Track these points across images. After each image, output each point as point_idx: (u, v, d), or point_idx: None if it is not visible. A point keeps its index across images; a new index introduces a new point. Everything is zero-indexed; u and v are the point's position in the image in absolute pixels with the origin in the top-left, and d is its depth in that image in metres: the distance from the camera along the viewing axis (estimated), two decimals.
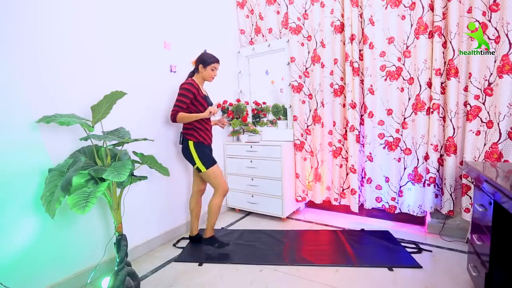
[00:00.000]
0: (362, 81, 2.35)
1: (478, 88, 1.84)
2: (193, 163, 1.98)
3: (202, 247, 2.13)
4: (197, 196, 2.20)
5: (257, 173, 2.64)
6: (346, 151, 2.46)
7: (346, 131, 2.43)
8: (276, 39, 2.85)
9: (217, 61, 2.03)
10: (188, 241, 2.24)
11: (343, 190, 2.53)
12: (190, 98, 1.92)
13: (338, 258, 1.88)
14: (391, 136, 2.27)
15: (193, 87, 1.93)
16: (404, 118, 2.19)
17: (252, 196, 2.70)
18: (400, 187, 2.27)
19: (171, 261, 1.95)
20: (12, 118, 1.39)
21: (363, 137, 2.42)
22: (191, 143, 1.97)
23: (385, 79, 2.23)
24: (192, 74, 2.08)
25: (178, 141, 2.07)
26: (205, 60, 1.99)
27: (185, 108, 1.93)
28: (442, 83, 2.01)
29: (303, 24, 2.58)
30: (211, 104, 2.08)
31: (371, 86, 2.28)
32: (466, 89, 1.93)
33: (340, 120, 2.47)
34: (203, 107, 1.99)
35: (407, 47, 2.12)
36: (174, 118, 1.91)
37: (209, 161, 1.99)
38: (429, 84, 2.06)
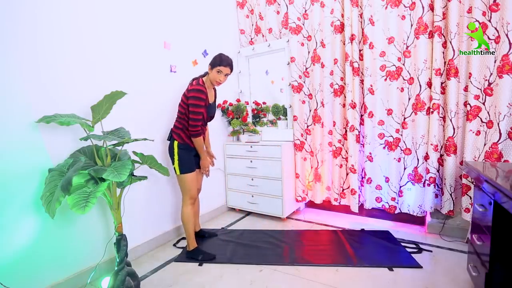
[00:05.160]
0: (362, 81, 2.35)
1: (478, 88, 1.84)
2: (173, 162, 1.93)
3: (202, 247, 2.12)
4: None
5: (257, 173, 2.64)
6: (346, 151, 2.46)
7: (346, 131, 2.43)
8: (276, 39, 2.85)
9: (226, 65, 1.87)
10: None
11: (343, 190, 2.53)
12: (203, 107, 1.83)
13: (338, 258, 1.88)
14: (391, 136, 2.27)
15: (203, 94, 1.81)
16: (404, 118, 2.19)
17: (252, 196, 2.70)
18: (400, 187, 2.27)
19: (171, 261, 1.95)
20: (12, 118, 1.39)
21: (363, 137, 2.42)
22: (175, 143, 1.90)
23: (385, 79, 2.23)
24: (206, 73, 1.98)
25: (168, 136, 1.97)
26: (213, 61, 1.88)
27: (201, 118, 1.85)
28: (442, 83, 2.01)
29: (303, 24, 2.58)
30: (211, 114, 2.02)
31: (371, 86, 2.28)
32: (466, 89, 1.93)
33: (340, 120, 2.47)
34: (202, 117, 1.88)
35: (407, 47, 2.12)
36: (194, 136, 1.85)
37: (186, 168, 1.90)
38: (429, 84, 2.06)
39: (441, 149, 2.08)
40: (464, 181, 1.94)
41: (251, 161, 2.67)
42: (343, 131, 2.49)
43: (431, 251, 1.94)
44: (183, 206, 1.97)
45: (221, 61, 1.87)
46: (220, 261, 1.91)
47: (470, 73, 1.85)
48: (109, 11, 1.82)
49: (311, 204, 2.92)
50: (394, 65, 2.19)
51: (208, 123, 2.16)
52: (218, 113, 2.81)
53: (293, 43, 2.58)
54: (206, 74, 1.98)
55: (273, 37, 2.88)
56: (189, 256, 1.97)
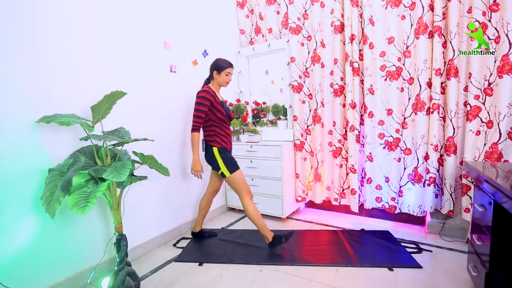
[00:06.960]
0: (362, 81, 2.35)
1: (478, 88, 1.84)
2: (218, 168, 1.99)
3: (202, 246, 2.13)
4: (211, 196, 2.25)
5: (257, 173, 2.64)
6: (346, 151, 2.46)
7: (346, 131, 2.43)
8: (276, 39, 2.85)
9: (230, 65, 2.05)
10: (188, 241, 2.24)
11: (343, 190, 2.53)
12: (207, 106, 1.94)
13: (338, 258, 1.88)
14: (391, 136, 2.27)
15: (209, 94, 1.94)
16: (404, 118, 2.19)
17: (252, 196, 2.70)
18: (400, 187, 2.27)
19: (171, 261, 1.95)
20: (12, 118, 1.39)
21: (363, 137, 2.42)
22: (215, 149, 1.98)
23: (385, 79, 2.23)
24: (208, 81, 2.09)
25: (202, 147, 2.05)
26: (219, 66, 2.01)
27: (205, 116, 1.95)
28: (442, 83, 2.01)
29: (303, 24, 2.58)
30: (228, 110, 2.09)
31: (371, 86, 2.28)
32: (466, 89, 1.93)
33: (340, 120, 2.47)
34: (221, 113, 2.00)
35: (407, 47, 2.12)
36: (192, 130, 1.95)
37: (233, 167, 1.99)
38: (429, 84, 2.06)
39: (441, 149, 2.08)
40: (464, 181, 1.94)
41: (251, 161, 2.67)
42: (343, 131, 2.49)
43: (431, 251, 1.94)
44: (246, 204, 1.99)
45: (227, 64, 2.03)
46: (220, 261, 1.91)
47: (470, 73, 1.85)
48: (109, 11, 1.82)
49: (311, 204, 2.92)
50: (394, 65, 2.19)
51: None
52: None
53: (293, 43, 2.58)
54: (207, 82, 2.09)
55: (273, 37, 2.88)
56: (273, 247, 1.98)
